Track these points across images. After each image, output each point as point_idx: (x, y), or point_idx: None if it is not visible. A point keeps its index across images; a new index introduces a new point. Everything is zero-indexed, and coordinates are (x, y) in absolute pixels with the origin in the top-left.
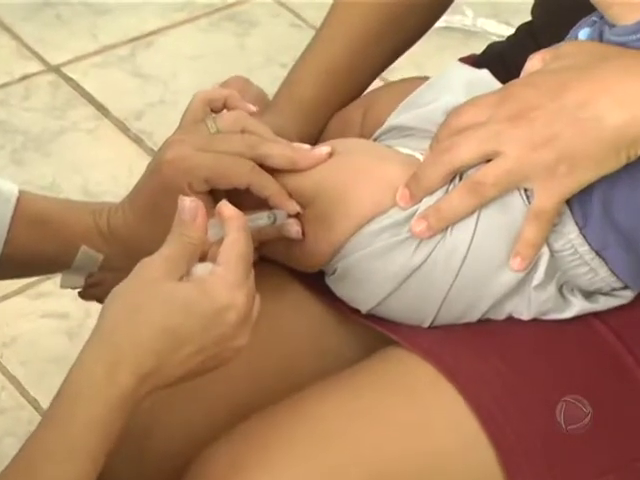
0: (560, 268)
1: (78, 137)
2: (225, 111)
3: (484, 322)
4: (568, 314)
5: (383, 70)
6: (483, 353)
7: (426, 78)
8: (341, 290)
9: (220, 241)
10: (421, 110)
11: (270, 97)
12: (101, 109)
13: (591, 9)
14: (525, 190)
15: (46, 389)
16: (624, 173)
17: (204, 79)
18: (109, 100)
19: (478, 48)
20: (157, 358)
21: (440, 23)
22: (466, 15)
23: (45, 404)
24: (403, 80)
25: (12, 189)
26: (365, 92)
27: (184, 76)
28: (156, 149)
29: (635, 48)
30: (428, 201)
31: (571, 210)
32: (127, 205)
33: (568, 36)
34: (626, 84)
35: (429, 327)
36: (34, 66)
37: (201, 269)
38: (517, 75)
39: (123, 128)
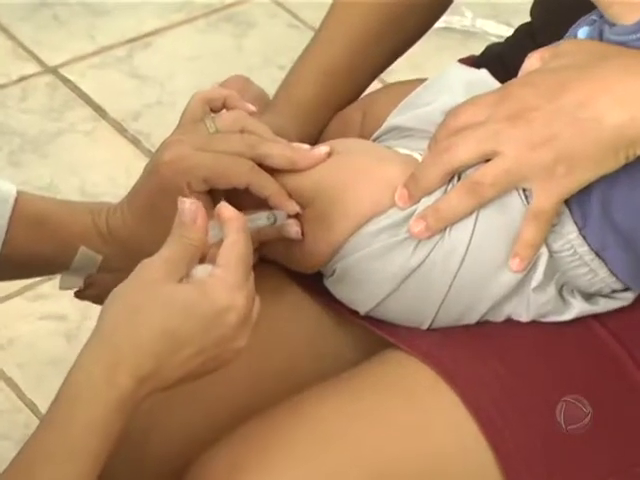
0: (559, 269)
1: (75, 138)
2: (224, 111)
3: (483, 324)
4: (567, 316)
5: (382, 71)
6: (482, 356)
7: (425, 80)
8: (340, 292)
9: (220, 242)
10: (420, 110)
11: (269, 97)
12: (98, 110)
13: (591, 8)
14: (524, 190)
15: (43, 392)
16: (623, 173)
17: (202, 80)
18: (107, 101)
19: (477, 49)
20: (156, 360)
21: (439, 24)
22: (465, 16)
23: (42, 407)
24: (402, 82)
25: (10, 189)
26: (364, 94)
27: (182, 77)
28: (154, 150)
29: (635, 48)
30: (427, 201)
31: (570, 210)
32: (126, 206)
33: (567, 34)
34: (626, 84)
35: (428, 329)
36: (31, 67)
37: (201, 271)
38: (516, 76)
39: (120, 129)
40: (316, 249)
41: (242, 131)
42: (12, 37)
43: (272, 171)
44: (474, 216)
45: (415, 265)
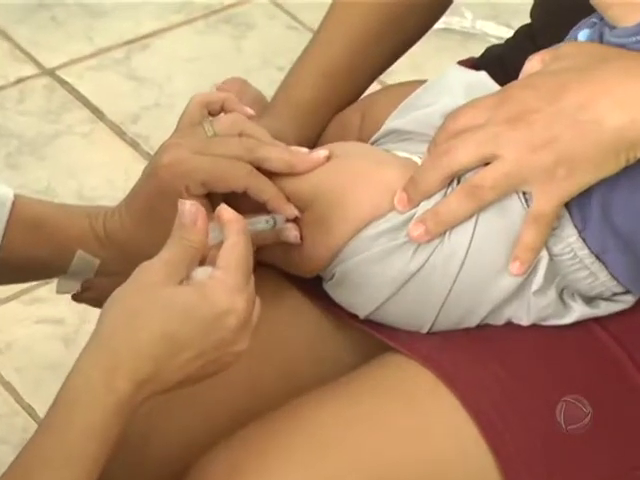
0: (560, 272)
1: (73, 141)
2: (222, 114)
3: (483, 328)
4: (568, 320)
5: (382, 72)
6: (482, 359)
7: (424, 82)
8: (339, 296)
9: (219, 245)
10: (419, 113)
11: (267, 99)
12: (96, 112)
13: (591, 10)
14: (524, 193)
15: (41, 396)
16: (623, 176)
17: (200, 82)
18: (104, 103)
19: (477, 50)
20: (155, 364)
21: (439, 25)
22: (465, 17)
23: (40, 411)
24: (401, 84)
25: (7, 193)
26: (363, 96)
27: (180, 79)
28: (152, 153)
29: (635, 50)
30: (426, 205)
31: (570, 213)
32: (124, 209)
33: (567, 37)
34: (626, 86)
35: (428, 333)
36: (29, 69)
37: (201, 273)
38: (516, 78)
39: (119, 132)
40: (315, 253)
41: (240, 134)
42: (9, 39)
43: (270, 175)
44: (474, 220)
45: (415, 269)
